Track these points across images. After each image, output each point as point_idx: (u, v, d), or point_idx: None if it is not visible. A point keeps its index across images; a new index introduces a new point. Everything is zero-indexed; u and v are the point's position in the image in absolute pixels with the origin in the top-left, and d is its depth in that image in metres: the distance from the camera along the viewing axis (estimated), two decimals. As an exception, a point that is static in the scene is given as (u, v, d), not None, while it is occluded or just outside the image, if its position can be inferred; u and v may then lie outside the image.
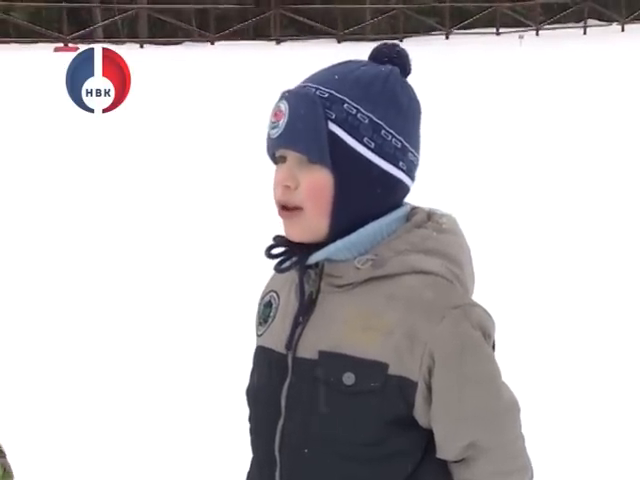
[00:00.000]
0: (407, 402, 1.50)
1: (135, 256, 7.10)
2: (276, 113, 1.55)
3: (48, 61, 19.22)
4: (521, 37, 27.45)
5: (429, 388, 1.50)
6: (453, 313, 1.49)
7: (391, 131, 1.54)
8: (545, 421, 4.03)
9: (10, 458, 1.97)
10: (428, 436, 1.54)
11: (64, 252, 7.23)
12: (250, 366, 1.68)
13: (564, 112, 13.85)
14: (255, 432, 1.64)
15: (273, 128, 1.55)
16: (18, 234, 7.75)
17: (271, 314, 1.65)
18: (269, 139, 1.57)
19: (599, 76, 18.10)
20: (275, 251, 1.60)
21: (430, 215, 1.59)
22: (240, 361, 2.31)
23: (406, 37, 30.92)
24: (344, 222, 1.53)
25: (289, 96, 1.55)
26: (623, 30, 32.91)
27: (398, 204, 1.58)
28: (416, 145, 1.59)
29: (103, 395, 4.61)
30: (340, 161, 1.51)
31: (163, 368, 4.91)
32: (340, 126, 1.52)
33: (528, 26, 33.12)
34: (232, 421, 3.14)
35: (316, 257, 1.54)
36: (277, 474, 1.58)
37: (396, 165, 1.55)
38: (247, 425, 1.67)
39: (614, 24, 34.15)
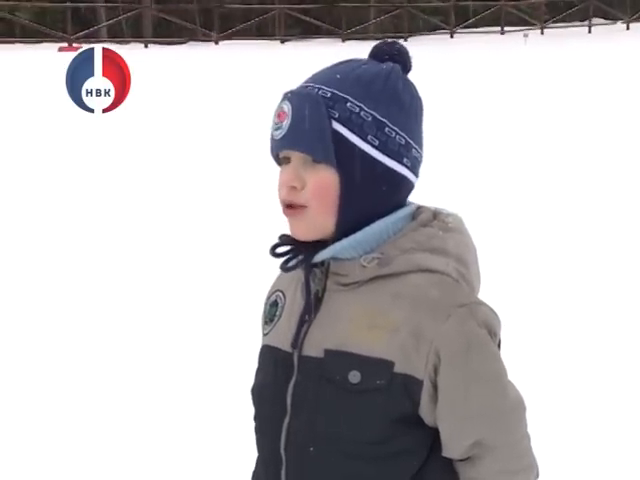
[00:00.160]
0: (413, 400, 1.50)
1: (137, 257, 7.08)
2: (279, 114, 1.55)
3: (52, 61, 19.21)
4: (526, 36, 27.42)
5: (435, 386, 1.50)
6: (459, 311, 1.49)
7: (394, 128, 1.54)
8: (551, 420, 4.03)
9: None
10: (434, 435, 1.54)
11: (64, 252, 7.22)
12: (255, 365, 1.68)
13: (569, 111, 13.83)
14: (260, 431, 1.64)
15: (276, 129, 1.55)
16: (18, 234, 7.74)
17: (277, 313, 1.65)
18: (273, 140, 1.57)
19: (604, 75, 18.06)
20: (280, 250, 1.60)
21: (436, 214, 1.59)
22: (245, 360, 2.31)
23: (410, 36, 30.93)
24: (350, 220, 1.53)
25: (292, 97, 1.55)
26: (628, 29, 32.84)
27: (403, 202, 1.58)
28: (419, 141, 1.59)
29: (105, 395, 4.61)
30: (345, 160, 1.51)
31: (168, 368, 4.92)
32: (344, 125, 1.52)
33: (533, 25, 33.11)
34: (237, 420, 3.14)
35: (322, 255, 1.54)
36: (283, 473, 1.58)
37: (400, 162, 1.55)
38: (252, 424, 1.67)
39: (619, 22, 34.11)
